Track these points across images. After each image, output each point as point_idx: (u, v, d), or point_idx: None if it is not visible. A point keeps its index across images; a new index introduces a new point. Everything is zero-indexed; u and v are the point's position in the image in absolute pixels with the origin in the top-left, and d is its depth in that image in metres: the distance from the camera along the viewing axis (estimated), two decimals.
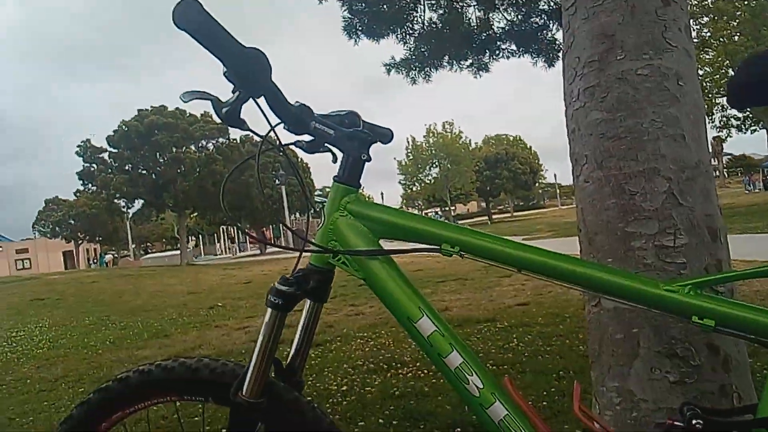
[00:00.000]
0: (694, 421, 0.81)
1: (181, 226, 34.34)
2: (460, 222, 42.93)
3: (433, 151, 42.65)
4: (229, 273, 17.26)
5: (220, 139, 32.23)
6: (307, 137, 1.02)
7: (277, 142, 1.02)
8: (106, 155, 31.46)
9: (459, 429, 2.71)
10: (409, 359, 4.21)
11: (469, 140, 44.29)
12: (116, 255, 49.73)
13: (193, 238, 55.81)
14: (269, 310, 1.00)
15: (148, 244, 65.48)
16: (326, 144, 1.03)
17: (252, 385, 0.98)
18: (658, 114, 1.13)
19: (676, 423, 0.84)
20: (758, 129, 23.60)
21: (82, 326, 8.58)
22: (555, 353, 3.89)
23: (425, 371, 3.83)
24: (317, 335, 5.61)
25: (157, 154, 30.65)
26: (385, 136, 1.12)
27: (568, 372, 3.38)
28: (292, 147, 1.05)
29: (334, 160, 1.06)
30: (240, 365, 1.05)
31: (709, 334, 1.03)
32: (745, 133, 24.41)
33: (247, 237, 51.99)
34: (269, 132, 1.02)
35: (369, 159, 1.03)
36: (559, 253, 0.91)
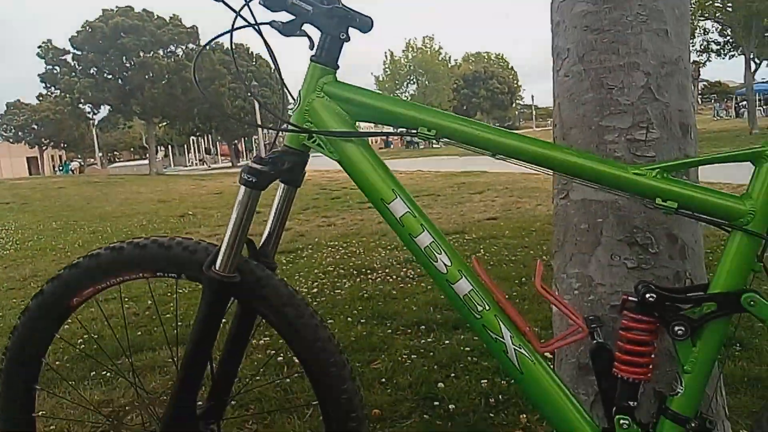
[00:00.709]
0: (647, 295, 0.85)
1: (149, 134, 33.40)
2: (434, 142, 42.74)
3: (412, 67, 41.75)
4: (199, 183, 17.08)
5: (190, 45, 30.77)
6: (284, 17, 0.98)
7: (253, 20, 0.98)
8: (69, 57, 29.87)
9: (424, 327, 2.83)
10: (378, 266, 4.32)
11: (449, 57, 43.39)
12: (82, 163, 48.53)
13: (162, 148, 54.54)
14: (243, 188, 0.99)
15: (116, 152, 63.87)
16: (304, 24, 0.99)
17: (225, 261, 0.99)
18: (644, 7, 1.11)
19: (630, 298, 0.88)
20: (737, 55, 23.39)
21: (50, 230, 8.50)
22: (519, 262, 4.04)
23: (394, 277, 3.95)
24: (288, 243, 5.69)
25: (124, 57, 29.21)
26: (365, 24, 1.06)
27: (530, 279, 3.52)
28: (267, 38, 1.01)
29: (311, 46, 1.02)
30: (213, 245, 1.06)
31: (669, 223, 1.08)
32: (723, 58, 24.28)
33: (219, 149, 51.04)
34: (243, 6, 0.98)
35: (348, 39, 1.00)
36: (534, 138, 0.92)
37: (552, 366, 0.95)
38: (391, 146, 42.79)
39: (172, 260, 1.06)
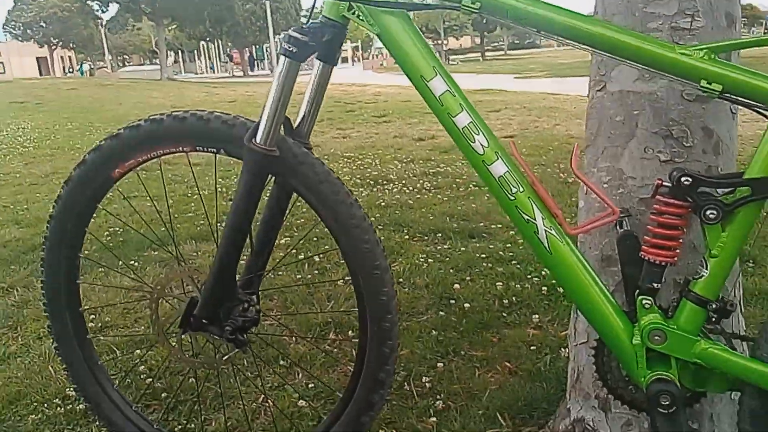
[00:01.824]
0: (682, 179, 0.87)
1: (159, 37, 32.61)
2: (451, 58, 41.37)
3: None
4: (212, 91, 16.86)
5: None
6: None
7: None
8: None
9: (440, 234, 2.89)
10: (394, 177, 4.34)
11: None
12: (92, 65, 47.78)
13: (172, 53, 53.36)
14: (283, 58, 0.99)
15: (125, 56, 62.76)
16: None
17: (266, 134, 1.01)
18: None
19: (664, 183, 0.90)
20: None
21: (66, 130, 8.53)
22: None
23: (410, 188, 3.97)
24: None
25: None
26: None
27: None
28: None
29: None
30: (251, 120, 1.07)
31: (706, 116, 1.07)
32: None
33: (231, 57, 49.88)
34: None
35: None
36: (581, 14, 0.90)
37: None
38: None
39: (211, 134, 1.07)
